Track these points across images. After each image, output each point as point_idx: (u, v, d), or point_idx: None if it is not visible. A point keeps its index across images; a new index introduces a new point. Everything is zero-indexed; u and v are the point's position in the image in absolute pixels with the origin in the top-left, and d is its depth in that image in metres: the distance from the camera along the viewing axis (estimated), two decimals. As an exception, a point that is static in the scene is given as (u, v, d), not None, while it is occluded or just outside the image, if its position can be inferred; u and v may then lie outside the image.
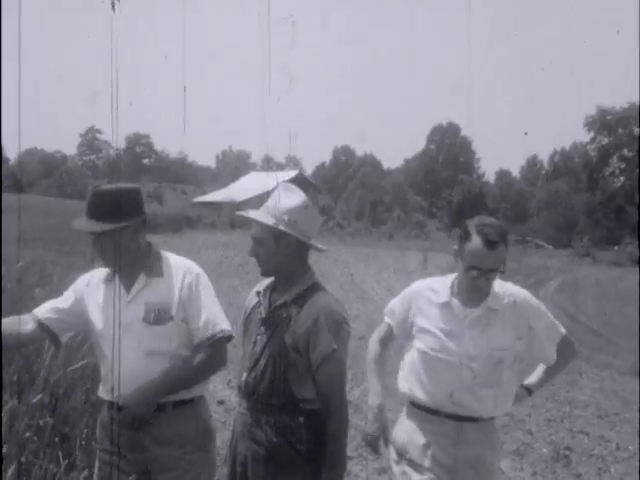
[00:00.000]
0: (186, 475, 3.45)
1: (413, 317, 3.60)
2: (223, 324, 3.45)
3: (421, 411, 3.51)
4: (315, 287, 3.28)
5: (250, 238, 3.30)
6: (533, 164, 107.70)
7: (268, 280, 3.39)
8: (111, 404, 3.43)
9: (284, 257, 3.23)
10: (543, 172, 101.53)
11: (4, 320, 3.42)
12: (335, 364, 3.15)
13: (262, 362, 3.21)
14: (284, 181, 3.48)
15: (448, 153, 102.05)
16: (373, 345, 3.82)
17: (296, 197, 3.28)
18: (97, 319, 3.53)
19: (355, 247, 43.02)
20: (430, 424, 3.48)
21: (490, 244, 3.23)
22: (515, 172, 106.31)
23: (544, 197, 75.38)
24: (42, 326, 3.53)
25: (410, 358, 3.62)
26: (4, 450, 3.27)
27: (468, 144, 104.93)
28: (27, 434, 3.45)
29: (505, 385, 3.46)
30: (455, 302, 3.47)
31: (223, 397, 8.81)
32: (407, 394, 3.59)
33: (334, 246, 39.38)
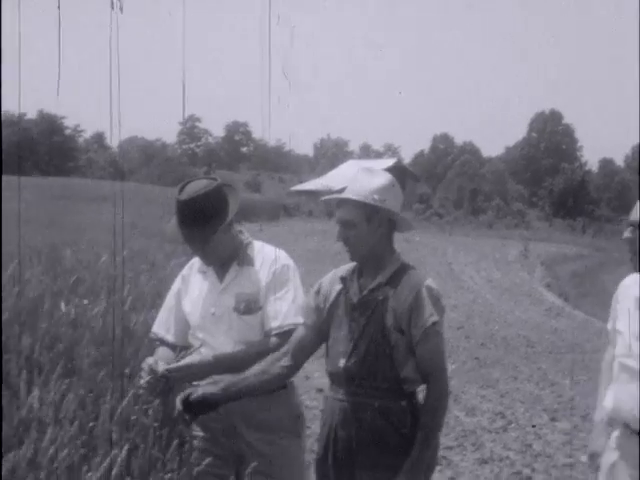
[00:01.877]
0: (279, 460, 3.49)
1: (614, 318, 3.41)
2: (299, 317, 3.46)
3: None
4: (405, 267, 3.25)
5: (337, 223, 3.27)
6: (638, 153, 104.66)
7: (348, 266, 3.36)
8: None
9: (376, 238, 3.20)
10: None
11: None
12: (435, 337, 3.14)
13: (362, 346, 3.17)
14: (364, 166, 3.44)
15: (550, 141, 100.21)
16: (609, 351, 3.50)
17: (381, 177, 3.25)
18: (194, 309, 3.62)
19: (453, 236, 42.75)
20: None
21: None
22: (619, 161, 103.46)
23: (649, 186, 73.21)
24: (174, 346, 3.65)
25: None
26: (113, 435, 3.34)
27: (571, 132, 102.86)
28: (133, 417, 3.52)
29: None
30: None
31: (322, 385, 8.84)
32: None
33: (432, 235, 39.18)
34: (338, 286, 3.32)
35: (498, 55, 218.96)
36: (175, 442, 3.46)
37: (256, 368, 3.33)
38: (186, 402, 3.21)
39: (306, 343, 3.35)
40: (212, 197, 3.42)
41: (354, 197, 3.17)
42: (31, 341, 4.20)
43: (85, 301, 5.41)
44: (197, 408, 3.24)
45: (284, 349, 3.34)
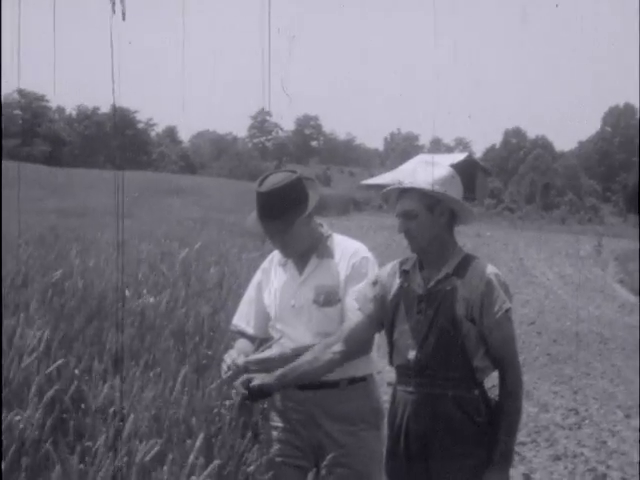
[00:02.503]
0: (359, 451, 3.50)
1: None
2: None
3: None
4: (469, 257, 3.24)
5: (396, 217, 3.25)
6: None
7: (405, 258, 3.35)
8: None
9: (437, 228, 3.18)
10: None
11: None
12: (507, 324, 3.13)
13: (432, 338, 3.16)
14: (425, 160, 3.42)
15: (624, 135, 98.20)
16: None
17: (441, 168, 3.22)
18: (274, 301, 3.64)
19: (525, 231, 42.22)
20: None
21: None
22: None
23: None
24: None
25: None
26: (193, 422, 3.41)
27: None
28: (215, 409, 3.57)
29: None
30: None
31: (392, 379, 8.84)
32: None
33: (503, 230, 38.80)
34: (399, 279, 3.31)
35: (571, 48, 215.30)
36: (249, 433, 3.51)
37: (308, 355, 3.35)
38: (245, 388, 3.27)
39: (360, 331, 3.34)
40: (292, 189, 3.44)
41: (418, 185, 3.16)
42: (110, 332, 4.31)
43: (151, 298, 5.50)
44: (254, 395, 3.29)
45: (336, 336, 3.36)
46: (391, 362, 3.36)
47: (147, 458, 3.02)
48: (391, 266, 3.39)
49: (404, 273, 3.32)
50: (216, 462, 3.08)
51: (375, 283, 3.38)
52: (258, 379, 3.28)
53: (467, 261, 3.21)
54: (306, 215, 3.45)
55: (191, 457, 2.91)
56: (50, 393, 3.28)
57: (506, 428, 3.10)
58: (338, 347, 3.34)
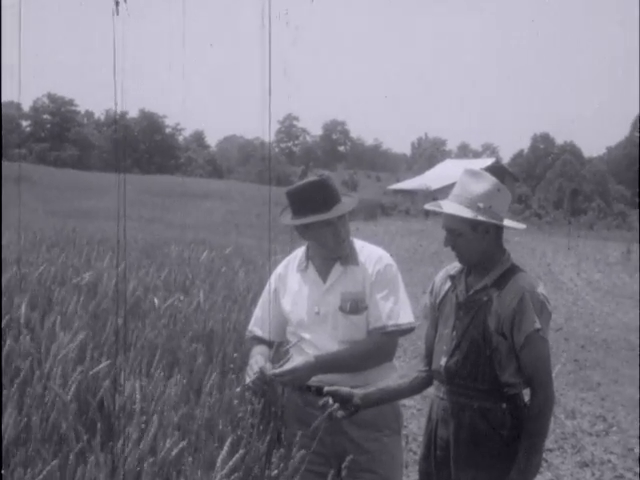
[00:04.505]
0: (382, 456, 3.52)
1: None
2: (401, 318, 3.50)
3: None
4: (513, 269, 3.20)
5: (442, 228, 3.24)
6: None
7: (457, 263, 3.32)
8: (308, 388, 3.52)
9: (483, 244, 3.16)
10: None
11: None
12: (539, 343, 3.08)
13: (464, 346, 3.15)
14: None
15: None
16: None
17: (486, 181, 3.17)
18: (296, 308, 3.64)
19: (553, 237, 42.01)
20: None
21: None
22: None
23: None
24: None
25: None
26: (220, 426, 3.43)
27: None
28: (240, 414, 3.59)
29: None
30: None
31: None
32: None
33: (531, 235, 38.59)
34: (448, 284, 3.32)
35: (599, 54, 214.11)
36: (268, 437, 3.51)
37: (396, 375, 3.42)
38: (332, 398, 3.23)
39: (433, 344, 3.35)
40: (322, 185, 3.47)
41: (458, 213, 3.12)
42: (135, 333, 4.35)
43: (181, 297, 5.55)
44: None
45: (421, 356, 3.40)
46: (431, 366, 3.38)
47: (171, 457, 3.05)
48: (444, 271, 3.41)
49: (451, 279, 3.33)
50: (239, 454, 3.09)
51: (431, 291, 3.41)
52: (337, 389, 3.22)
53: (510, 273, 3.18)
54: (350, 210, 3.49)
55: (219, 460, 2.92)
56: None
57: (526, 447, 3.06)
58: (423, 366, 3.38)
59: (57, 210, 20.20)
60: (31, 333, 3.98)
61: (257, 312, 3.81)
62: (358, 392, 3.23)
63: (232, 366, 4.17)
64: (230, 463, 2.91)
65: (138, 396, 3.34)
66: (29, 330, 4.07)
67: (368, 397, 3.26)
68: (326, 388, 3.22)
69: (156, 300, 5.22)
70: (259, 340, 3.71)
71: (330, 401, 3.18)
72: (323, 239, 3.52)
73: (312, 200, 3.44)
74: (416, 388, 3.47)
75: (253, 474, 3.33)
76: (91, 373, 3.58)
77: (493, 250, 3.19)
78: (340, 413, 3.18)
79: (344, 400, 3.19)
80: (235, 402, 3.63)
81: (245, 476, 3.25)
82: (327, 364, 3.44)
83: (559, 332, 13.86)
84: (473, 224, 3.13)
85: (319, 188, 3.47)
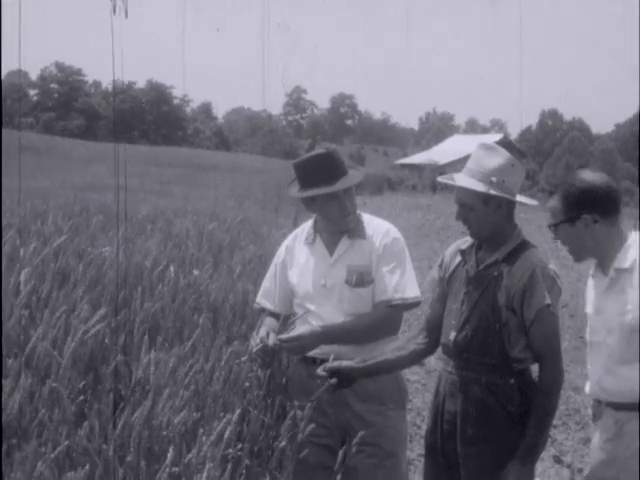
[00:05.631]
0: (386, 430, 3.53)
1: None
2: (407, 292, 3.51)
3: None
4: (525, 244, 3.20)
5: (455, 203, 3.23)
6: None
7: (468, 238, 3.32)
8: (313, 360, 3.53)
9: (495, 219, 3.15)
10: None
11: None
12: (549, 319, 3.08)
13: (473, 321, 3.16)
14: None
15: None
16: None
17: (500, 156, 3.18)
18: (302, 280, 3.65)
19: (559, 214, 41.82)
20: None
21: None
22: None
23: None
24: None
25: None
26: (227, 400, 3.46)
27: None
28: (247, 384, 3.61)
29: None
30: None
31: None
32: None
33: (537, 212, 38.47)
34: (458, 258, 3.31)
35: (608, 30, 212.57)
36: (275, 410, 3.53)
37: (393, 345, 3.41)
38: (330, 372, 3.24)
39: (437, 317, 3.36)
40: (328, 158, 3.50)
41: (471, 187, 3.12)
42: (150, 305, 4.36)
43: (195, 271, 5.55)
44: (342, 383, 3.29)
45: (419, 328, 3.41)
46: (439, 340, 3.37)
47: (182, 428, 3.07)
48: (455, 245, 3.40)
49: (461, 253, 3.32)
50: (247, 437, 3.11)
51: (441, 265, 3.40)
52: (345, 364, 3.26)
53: (521, 249, 3.18)
54: (357, 183, 3.52)
55: (227, 431, 2.94)
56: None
57: (535, 423, 3.06)
58: (421, 338, 3.39)
59: (67, 180, 20.17)
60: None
61: (265, 284, 3.83)
62: (357, 365, 3.26)
63: (237, 338, 4.19)
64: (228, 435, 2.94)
65: (152, 368, 3.37)
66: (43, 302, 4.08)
67: (367, 369, 3.30)
68: (329, 364, 3.25)
69: (172, 268, 5.23)
70: (267, 312, 3.73)
71: (323, 372, 3.23)
72: (329, 212, 3.53)
73: (318, 173, 3.46)
74: (415, 359, 3.51)
75: (259, 445, 3.36)
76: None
77: (504, 225, 3.19)
78: (334, 380, 3.22)
79: (343, 375, 3.23)
80: (242, 373, 3.65)
81: (251, 447, 3.28)
82: (333, 335, 3.47)
83: (564, 309, 13.84)
84: (485, 198, 3.13)
85: (325, 161, 3.48)
